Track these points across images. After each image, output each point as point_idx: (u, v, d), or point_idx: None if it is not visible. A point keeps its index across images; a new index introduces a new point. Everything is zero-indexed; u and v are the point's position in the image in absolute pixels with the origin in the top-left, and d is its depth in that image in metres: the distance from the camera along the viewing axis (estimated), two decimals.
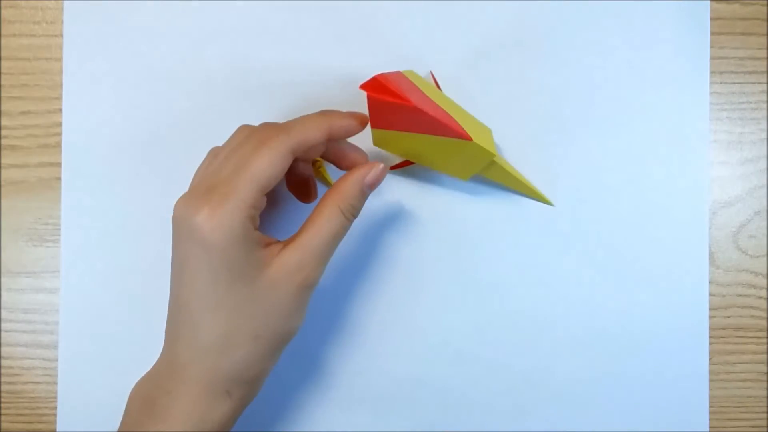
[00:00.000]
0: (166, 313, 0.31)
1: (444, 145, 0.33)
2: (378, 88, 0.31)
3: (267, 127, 0.32)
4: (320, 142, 0.31)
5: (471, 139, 0.33)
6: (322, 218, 0.31)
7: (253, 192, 0.29)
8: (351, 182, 0.32)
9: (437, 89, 0.37)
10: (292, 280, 0.30)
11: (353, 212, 0.32)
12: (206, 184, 0.30)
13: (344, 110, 0.33)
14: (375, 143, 0.35)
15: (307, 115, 0.32)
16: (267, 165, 0.29)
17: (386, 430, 0.39)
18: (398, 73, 0.33)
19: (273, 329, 0.30)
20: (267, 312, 0.30)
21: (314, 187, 0.37)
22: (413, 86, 0.33)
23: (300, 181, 0.36)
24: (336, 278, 0.39)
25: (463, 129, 0.32)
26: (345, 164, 0.35)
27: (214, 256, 0.28)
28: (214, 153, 0.33)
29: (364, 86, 0.31)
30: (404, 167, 0.38)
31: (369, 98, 0.32)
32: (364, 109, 0.33)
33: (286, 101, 0.39)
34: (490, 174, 0.37)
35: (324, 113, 0.32)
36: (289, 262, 0.30)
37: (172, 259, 0.30)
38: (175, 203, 0.30)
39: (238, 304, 0.29)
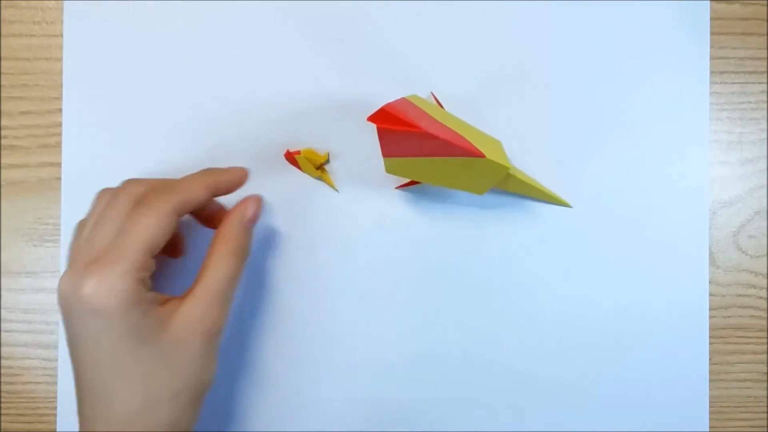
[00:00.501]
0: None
1: (458, 165, 0.33)
2: (385, 118, 0.31)
3: (139, 186, 0.31)
4: (204, 200, 0.32)
5: (484, 156, 0.33)
6: (214, 265, 0.31)
7: (140, 255, 0.28)
8: (233, 223, 0.32)
9: (442, 109, 0.38)
10: (196, 331, 0.29)
11: (244, 252, 0.32)
12: (87, 257, 0.29)
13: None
14: (387, 171, 0.36)
15: (189, 175, 0.33)
16: (152, 226, 0.29)
17: (386, 430, 0.39)
18: (403, 100, 0.33)
19: (189, 383, 0.29)
20: (180, 368, 0.29)
21: (182, 242, 0.37)
22: (420, 111, 0.33)
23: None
24: (341, 279, 0.39)
25: (475, 147, 0.32)
26: (213, 224, 0.35)
27: (113, 324, 0.27)
28: (81, 225, 0.32)
29: (371, 118, 0.31)
30: (412, 186, 0.39)
31: (378, 130, 0.32)
32: (372, 132, 0.33)
33: (286, 102, 0.39)
34: (506, 186, 0.37)
35: (206, 172, 0.33)
36: (189, 315, 0.29)
37: (68, 341, 0.29)
38: (58, 284, 0.29)
39: (149, 366, 0.28)
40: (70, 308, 0.28)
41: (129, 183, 0.32)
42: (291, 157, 0.38)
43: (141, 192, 0.31)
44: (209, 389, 0.31)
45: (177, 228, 0.31)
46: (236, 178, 0.34)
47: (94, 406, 0.29)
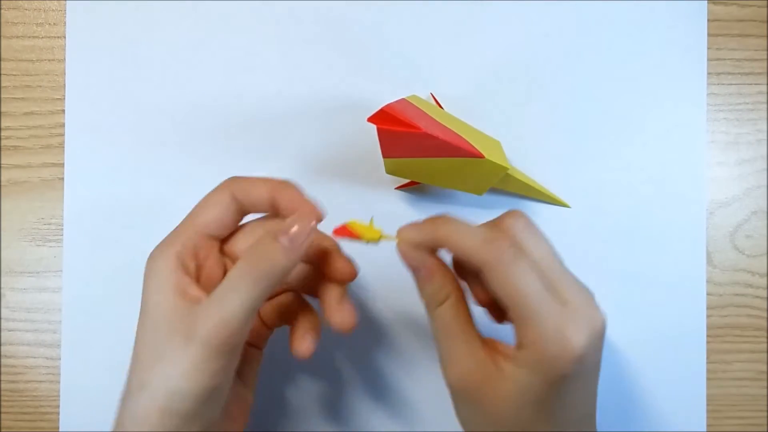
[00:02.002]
0: None
1: (457, 165, 0.34)
2: (385, 119, 0.31)
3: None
4: (264, 199, 0.29)
5: (483, 157, 0.33)
6: (231, 287, 0.27)
7: (187, 231, 0.29)
8: (264, 240, 0.27)
9: (442, 110, 0.38)
10: (206, 335, 0.26)
11: (270, 278, 0.27)
12: None
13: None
14: (387, 171, 0.36)
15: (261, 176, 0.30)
16: (204, 206, 0.29)
17: (386, 430, 0.39)
18: (402, 101, 0.33)
19: (186, 391, 0.27)
20: (185, 366, 0.27)
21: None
22: (419, 111, 0.33)
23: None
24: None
25: (474, 147, 0.33)
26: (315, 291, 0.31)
27: (149, 303, 0.29)
28: None
29: (371, 119, 0.31)
30: (412, 186, 0.39)
31: (378, 130, 0.32)
32: (372, 133, 0.33)
33: (286, 102, 0.39)
34: (505, 186, 0.37)
35: (282, 180, 0.30)
36: (201, 318, 0.27)
37: None
38: None
39: (161, 347, 0.27)
40: None
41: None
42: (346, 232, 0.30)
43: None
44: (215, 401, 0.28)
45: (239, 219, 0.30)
46: (306, 206, 0.29)
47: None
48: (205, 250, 0.30)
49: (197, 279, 0.29)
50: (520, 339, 0.27)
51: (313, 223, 0.28)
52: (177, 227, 0.30)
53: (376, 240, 0.30)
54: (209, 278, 0.30)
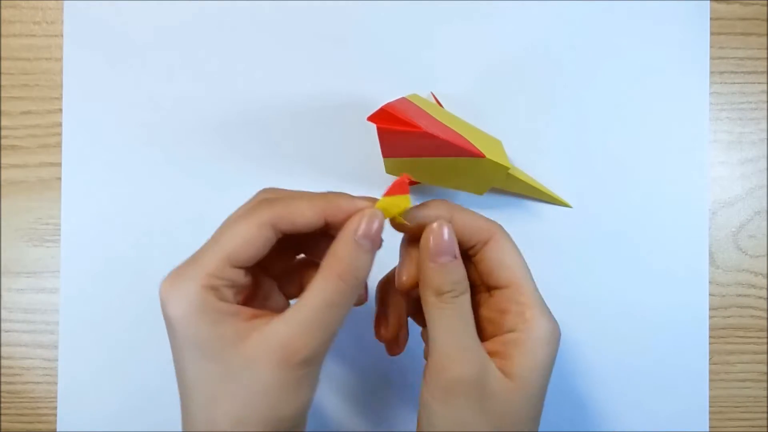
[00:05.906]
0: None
1: (458, 165, 0.33)
2: (386, 118, 0.31)
3: (266, 195, 0.29)
4: (313, 224, 0.27)
5: (484, 156, 0.33)
6: (313, 285, 0.26)
7: (216, 261, 0.25)
8: (341, 239, 0.26)
9: (442, 109, 0.38)
10: (271, 357, 0.25)
11: (354, 275, 0.26)
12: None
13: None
14: (388, 171, 0.36)
15: (306, 192, 0.28)
16: (236, 235, 0.26)
17: (385, 430, 0.39)
18: (403, 99, 0.33)
19: (259, 413, 0.25)
20: (248, 393, 0.25)
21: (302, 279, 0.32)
22: (420, 110, 0.33)
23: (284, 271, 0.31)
24: None
25: (475, 147, 0.32)
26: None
27: (177, 332, 0.26)
28: None
29: (371, 118, 0.31)
30: (412, 186, 0.38)
31: (378, 129, 0.32)
32: (372, 133, 0.33)
33: (286, 102, 0.39)
34: (506, 186, 0.37)
35: (325, 194, 0.28)
36: (270, 337, 0.25)
37: None
38: None
39: (213, 385, 0.26)
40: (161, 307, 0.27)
41: (261, 192, 0.29)
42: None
43: (255, 205, 0.28)
44: (292, 426, 0.26)
45: (272, 242, 0.27)
46: (359, 210, 0.27)
47: (181, 409, 0.27)
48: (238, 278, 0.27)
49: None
50: (514, 322, 0.28)
51: (380, 218, 0.27)
52: (199, 254, 0.26)
53: (401, 211, 0.28)
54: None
